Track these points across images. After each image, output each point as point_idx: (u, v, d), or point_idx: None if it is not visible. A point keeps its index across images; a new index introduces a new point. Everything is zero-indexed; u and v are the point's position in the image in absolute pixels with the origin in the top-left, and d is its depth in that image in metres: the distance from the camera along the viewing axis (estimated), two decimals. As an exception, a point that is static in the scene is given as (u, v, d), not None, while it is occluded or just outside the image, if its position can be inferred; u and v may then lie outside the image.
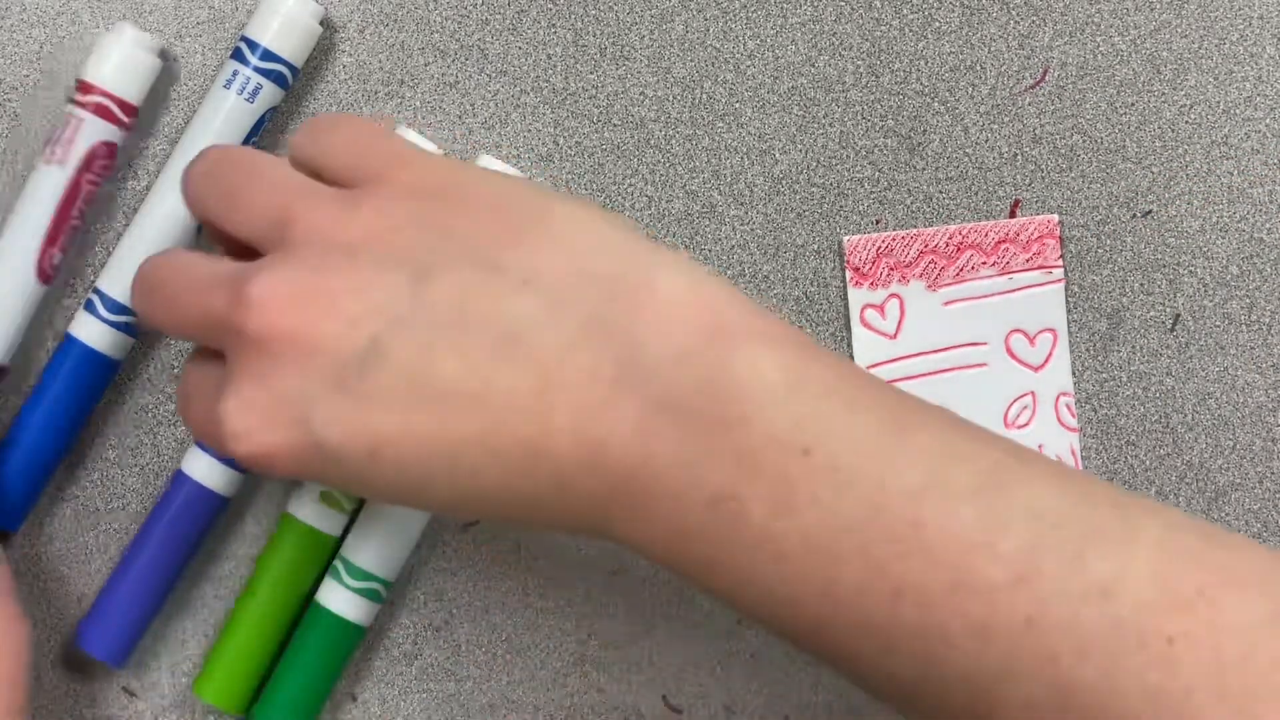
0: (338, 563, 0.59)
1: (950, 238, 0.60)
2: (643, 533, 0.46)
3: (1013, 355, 0.60)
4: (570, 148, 0.60)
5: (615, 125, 0.60)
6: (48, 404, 0.58)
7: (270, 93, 0.58)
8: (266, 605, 0.58)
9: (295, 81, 0.59)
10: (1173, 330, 0.60)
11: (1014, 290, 0.60)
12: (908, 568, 0.44)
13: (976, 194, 0.60)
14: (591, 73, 0.60)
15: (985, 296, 0.60)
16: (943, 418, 0.46)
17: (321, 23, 0.59)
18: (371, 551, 0.58)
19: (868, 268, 0.60)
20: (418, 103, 0.60)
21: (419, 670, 0.60)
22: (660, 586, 0.60)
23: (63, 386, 0.58)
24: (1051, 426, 0.60)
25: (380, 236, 0.46)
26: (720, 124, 0.60)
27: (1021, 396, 0.60)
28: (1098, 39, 0.60)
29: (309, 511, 0.58)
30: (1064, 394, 0.60)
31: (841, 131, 0.60)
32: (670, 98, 0.60)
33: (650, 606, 0.60)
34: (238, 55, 0.58)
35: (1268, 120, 0.60)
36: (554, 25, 0.60)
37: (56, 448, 0.59)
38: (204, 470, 0.58)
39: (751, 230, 0.60)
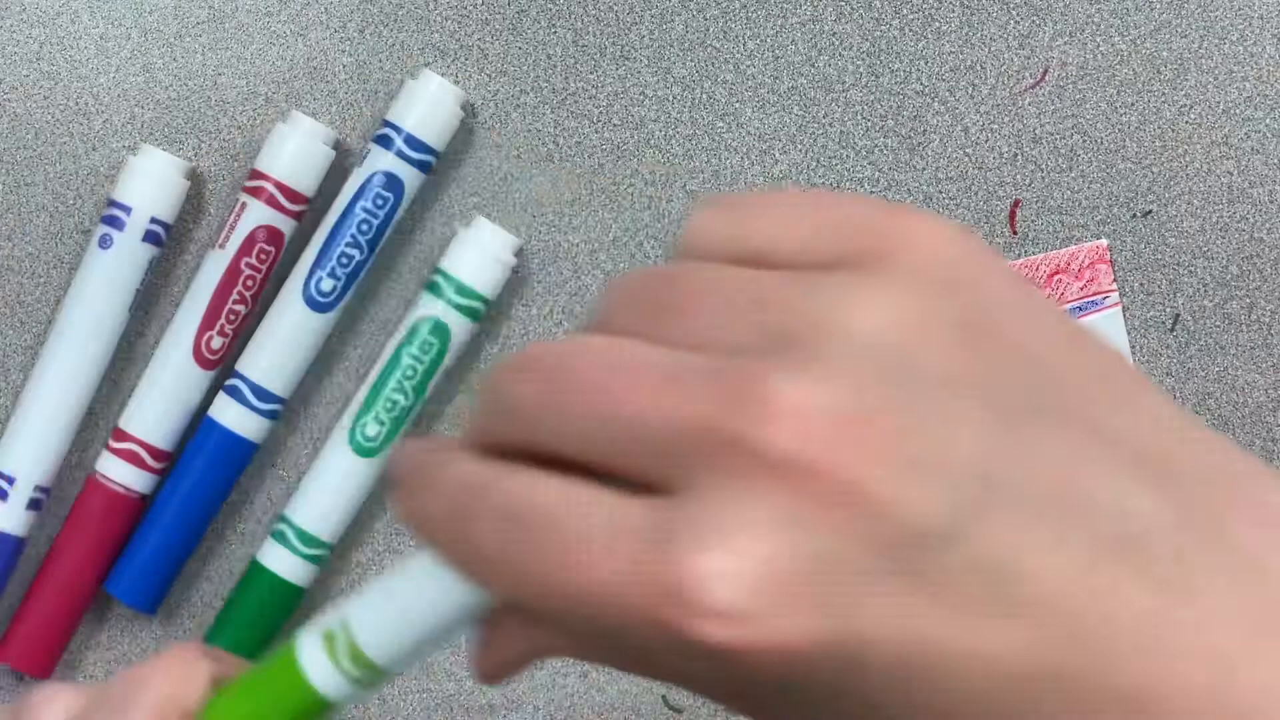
0: (282, 526, 0.59)
1: None
2: None
3: None
4: (570, 148, 0.60)
5: (615, 125, 0.60)
6: (186, 489, 0.58)
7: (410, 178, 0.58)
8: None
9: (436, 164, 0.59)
10: (1173, 330, 0.60)
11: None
12: None
13: (976, 194, 0.60)
14: (591, 73, 0.60)
15: None
16: None
17: (462, 106, 0.60)
18: (316, 513, 0.59)
19: None
20: (418, 103, 0.60)
21: (419, 670, 0.60)
22: (660, 586, 0.60)
23: (201, 471, 0.58)
24: None
25: (943, 351, 0.32)
26: (720, 124, 0.60)
27: None
28: (1098, 39, 0.60)
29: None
30: None
31: (841, 131, 0.60)
32: (670, 98, 0.60)
33: (650, 606, 0.60)
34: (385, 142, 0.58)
35: (1268, 120, 0.60)
36: (554, 25, 0.60)
37: (194, 532, 0.59)
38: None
39: (751, 230, 0.60)
